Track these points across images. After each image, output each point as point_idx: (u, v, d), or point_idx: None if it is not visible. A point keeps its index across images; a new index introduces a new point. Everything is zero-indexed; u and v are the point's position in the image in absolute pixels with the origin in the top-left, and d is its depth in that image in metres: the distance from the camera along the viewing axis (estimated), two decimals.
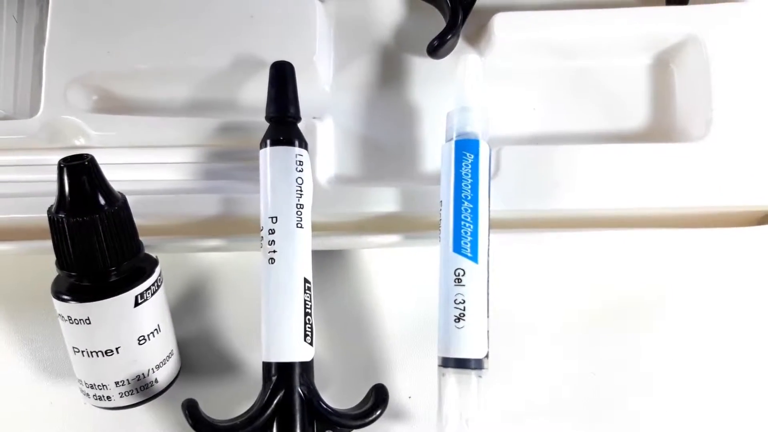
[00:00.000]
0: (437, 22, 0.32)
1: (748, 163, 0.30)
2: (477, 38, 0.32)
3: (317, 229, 0.29)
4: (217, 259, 0.32)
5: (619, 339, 0.31)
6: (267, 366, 0.26)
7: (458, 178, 0.27)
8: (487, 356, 0.26)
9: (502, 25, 0.31)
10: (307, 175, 0.27)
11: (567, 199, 0.29)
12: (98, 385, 0.27)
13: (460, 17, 0.31)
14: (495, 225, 0.28)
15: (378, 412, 0.27)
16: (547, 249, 0.32)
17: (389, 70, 0.32)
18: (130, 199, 0.26)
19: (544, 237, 0.30)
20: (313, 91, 0.31)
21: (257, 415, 0.26)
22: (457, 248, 0.26)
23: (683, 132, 0.31)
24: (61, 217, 0.24)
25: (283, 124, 0.28)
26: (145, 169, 0.31)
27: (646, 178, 0.30)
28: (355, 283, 0.32)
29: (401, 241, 0.29)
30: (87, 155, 0.24)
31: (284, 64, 0.28)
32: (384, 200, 0.30)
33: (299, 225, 0.27)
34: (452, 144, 0.27)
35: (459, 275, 0.26)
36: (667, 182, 0.29)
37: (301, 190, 0.27)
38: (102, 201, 0.24)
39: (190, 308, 0.32)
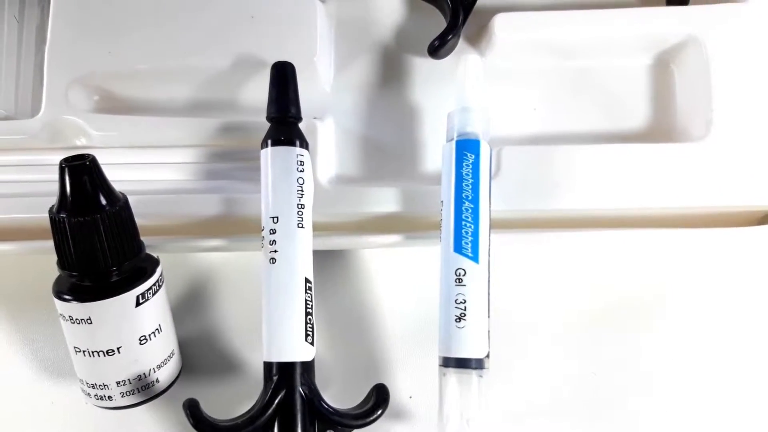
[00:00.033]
0: (438, 23, 0.32)
1: (748, 164, 0.30)
2: (477, 38, 0.32)
3: (318, 229, 0.29)
4: (218, 259, 0.32)
5: (620, 339, 0.31)
6: (268, 366, 0.27)
7: (459, 178, 0.27)
8: (487, 356, 0.26)
9: (502, 25, 0.31)
10: (308, 175, 0.27)
11: (567, 199, 0.30)
12: (99, 385, 0.27)
13: (460, 18, 0.31)
14: (496, 225, 0.28)
15: (379, 412, 0.27)
16: (548, 249, 0.32)
17: (390, 71, 0.32)
18: (131, 199, 0.26)
19: (545, 237, 0.30)
20: (313, 92, 0.31)
21: (258, 414, 0.26)
22: (458, 248, 0.26)
23: (683, 132, 0.31)
24: (63, 217, 0.24)
25: (284, 124, 0.28)
26: (146, 169, 0.31)
27: (646, 178, 0.30)
28: (356, 283, 0.32)
29: (402, 241, 0.30)
30: (88, 155, 0.24)
31: (285, 65, 0.28)
32: (385, 200, 0.30)
33: (300, 225, 0.27)
34: (453, 144, 0.27)
35: (460, 275, 0.26)
36: (667, 182, 0.30)
37: (302, 190, 0.27)
38: (103, 201, 0.24)
39: (191, 308, 0.32)
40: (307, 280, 0.27)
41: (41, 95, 0.31)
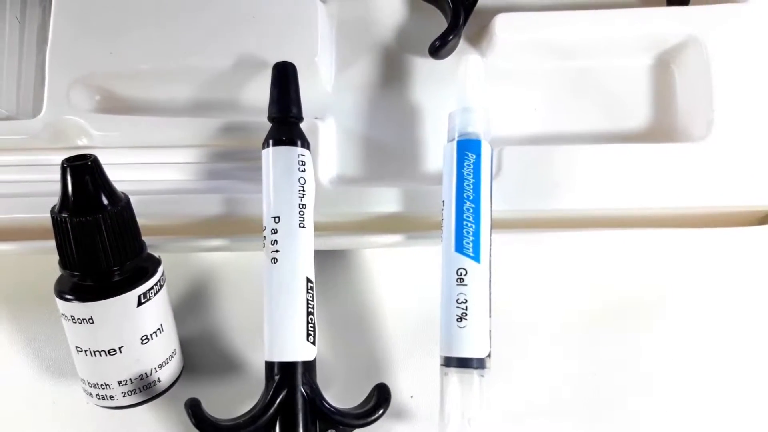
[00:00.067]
0: (439, 23, 0.32)
1: (749, 164, 0.30)
2: (478, 39, 0.33)
3: (319, 229, 0.29)
4: (219, 258, 0.32)
5: (621, 339, 0.31)
6: (269, 365, 0.27)
7: (460, 178, 0.27)
8: (489, 356, 0.26)
9: (503, 25, 0.31)
10: (309, 175, 0.27)
11: (568, 199, 0.30)
12: (101, 385, 0.27)
13: (461, 18, 0.31)
14: (497, 225, 0.28)
15: (380, 412, 0.27)
16: (549, 249, 0.32)
17: (391, 71, 0.32)
18: (132, 199, 0.26)
19: (546, 237, 0.30)
20: (314, 92, 0.31)
21: (260, 414, 0.26)
22: (459, 248, 0.26)
23: (684, 132, 0.31)
24: (65, 217, 0.24)
25: (286, 124, 0.28)
26: (147, 169, 0.31)
27: (647, 178, 0.30)
28: (358, 282, 0.32)
29: (403, 240, 0.30)
30: (90, 155, 0.24)
31: (286, 65, 0.28)
32: (386, 200, 0.30)
33: (302, 225, 0.27)
34: (454, 144, 0.27)
35: (461, 275, 0.26)
36: (668, 182, 0.30)
37: (303, 190, 0.27)
38: (105, 201, 0.24)
39: (193, 308, 0.32)
40: (308, 280, 0.27)
41: (43, 95, 0.31)
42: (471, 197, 0.27)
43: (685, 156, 0.30)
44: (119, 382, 0.27)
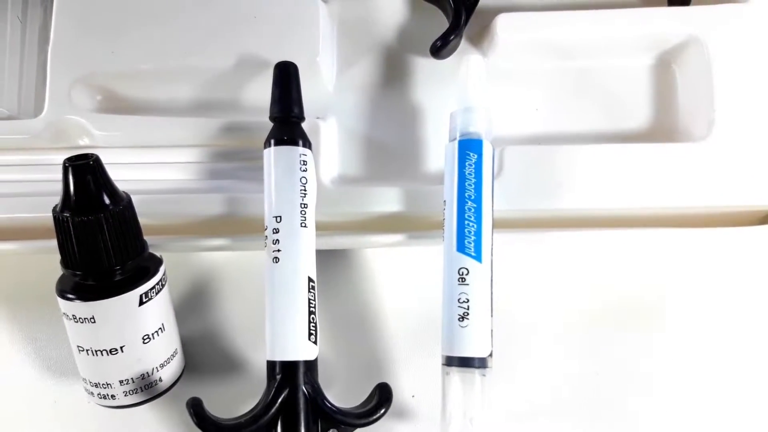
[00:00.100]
0: (440, 23, 0.32)
1: (750, 163, 0.30)
2: (480, 39, 0.33)
3: (321, 228, 0.29)
4: (221, 258, 0.32)
5: (622, 338, 0.31)
6: (271, 365, 0.27)
7: (462, 178, 0.27)
8: (490, 355, 0.26)
9: (504, 25, 0.31)
10: (311, 174, 0.27)
11: (570, 199, 0.30)
12: (102, 384, 0.27)
13: (463, 18, 0.31)
14: (498, 224, 0.28)
15: (382, 411, 0.27)
16: (550, 248, 0.32)
17: (392, 71, 0.33)
18: (134, 199, 0.26)
19: (547, 236, 0.30)
20: (316, 92, 0.31)
21: (262, 413, 0.26)
22: (461, 247, 0.26)
23: (685, 132, 0.31)
24: (66, 217, 0.24)
25: (287, 124, 0.28)
26: (149, 169, 0.31)
27: (648, 178, 0.30)
28: (359, 282, 0.32)
29: (405, 240, 0.30)
30: (92, 155, 0.24)
31: (288, 65, 0.28)
32: (387, 200, 0.30)
33: (303, 224, 0.27)
34: (456, 144, 0.27)
35: (463, 274, 0.26)
36: (669, 182, 0.30)
37: (305, 190, 0.27)
38: (107, 200, 0.24)
39: (194, 307, 0.32)
40: (310, 279, 0.27)
41: (44, 95, 0.31)
42: (472, 197, 0.27)
43: (686, 156, 0.30)
44: (121, 382, 0.27)
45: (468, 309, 0.26)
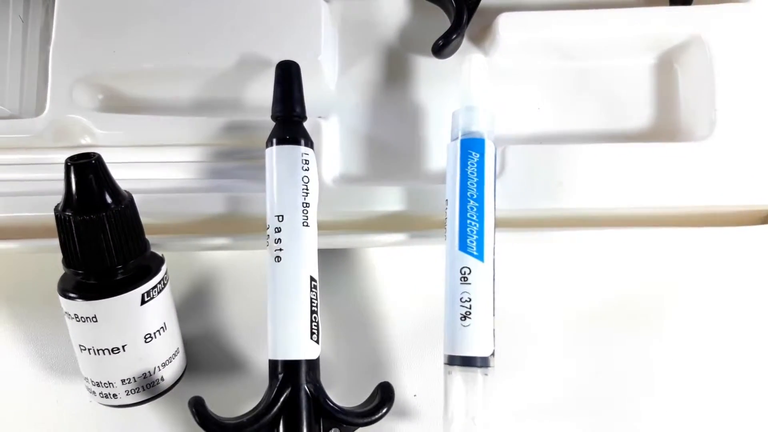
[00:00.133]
0: (442, 22, 0.32)
1: (752, 163, 0.30)
2: (482, 38, 0.33)
3: (323, 227, 0.29)
4: (222, 257, 0.32)
5: (624, 338, 0.31)
6: (273, 364, 0.27)
7: (464, 177, 0.27)
8: (493, 354, 0.26)
9: (506, 25, 0.31)
10: (313, 173, 0.27)
11: (572, 198, 0.30)
12: (104, 383, 0.27)
13: (464, 17, 0.31)
14: (500, 224, 0.28)
15: (384, 410, 0.27)
16: (552, 247, 0.32)
17: (394, 70, 0.33)
18: (136, 198, 0.26)
19: (549, 236, 0.30)
20: (318, 91, 0.31)
21: (264, 412, 0.26)
22: (463, 247, 0.26)
23: (687, 132, 0.31)
24: (68, 216, 0.24)
25: (289, 123, 0.28)
26: (150, 168, 0.31)
27: (650, 177, 0.30)
28: (361, 281, 0.32)
29: (407, 239, 0.30)
30: (94, 154, 0.24)
31: (290, 64, 0.28)
32: (389, 199, 0.30)
33: (305, 223, 0.27)
34: (458, 143, 0.27)
35: (465, 273, 0.26)
36: (671, 182, 0.30)
37: (307, 189, 0.27)
38: (109, 199, 0.24)
39: (196, 306, 0.32)
40: (312, 279, 0.27)
41: (46, 94, 0.31)
42: (474, 196, 0.27)
43: (687, 155, 0.30)
44: (122, 381, 0.27)
45: (470, 308, 0.26)
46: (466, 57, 0.29)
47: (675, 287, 0.32)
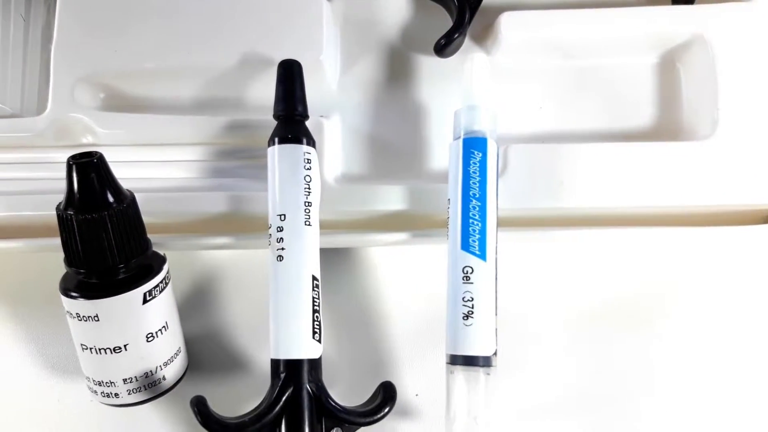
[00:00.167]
0: (444, 21, 0.32)
1: (754, 162, 0.30)
2: (484, 37, 0.33)
3: (325, 227, 0.29)
4: (224, 256, 0.32)
5: (626, 337, 0.31)
6: (275, 363, 0.26)
7: (466, 176, 0.27)
8: (495, 354, 0.26)
9: (508, 24, 0.31)
10: (315, 172, 0.27)
11: (574, 198, 0.29)
12: (106, 382, 0.27)
13: (467, 16, 0.31)
14: (502, 223, 0.28)
15: (386, 410, 0.27)
16: (555, 247, 0.32)
17: (396, 69, 0.33)
18: (137, 197, 0.26)
19: (552, 235, 0.30)
20: (320, 90, 0.31)
21: (266, 411, 0.26)
22: (465, 246, 0.26)
23: (689, 131, 0.31)
24: (70, 215, 0.24)
25: (291, 122, 0.28)
26: (152, 167, 0.31)
27: (652, 176, 0.30)
28: (363, 280, 0.32)
29: (409, 239, 0.29)
30: (96, 152, 0.24)
31: (292, 63, 0.28)
32: (391, 198, 0.30)
33: (307, 223, 0.27)
34: (460, 142, 0.27)
35: (467, 273, 0.26)
36: (673, 181, 0.30)
37: (309, 188, 0.27)
38: (111, 198, 0.24)
39: (198, 306, 0.32)
40: (314, 278, 0.27)
41: (47, 93, 0.31)
42: (477, 195, 0.27)
43: (690, 154, 0.30)
44: (124, 380, 0.26)
45: (472, 307, 0.26)
46: (468, 56, 0.29)
47: (677, 287, 0.32)
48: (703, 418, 0.30)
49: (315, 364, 0.27)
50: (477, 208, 0.26)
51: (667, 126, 0.32)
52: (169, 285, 0.27)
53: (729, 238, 0.32)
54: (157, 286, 0.26)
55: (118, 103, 0.32)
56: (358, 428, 0.27)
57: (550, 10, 0.31)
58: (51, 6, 0.33)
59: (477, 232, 0.26)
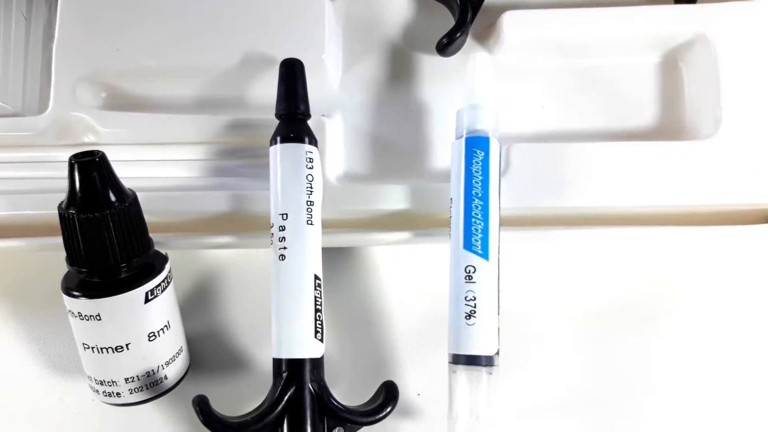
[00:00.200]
0: (446, 20, 0.32)
1: (757, 162, 0.30)
2: (486, 36, 0.33)
3: (327, 226, 0.28)
4: (226, 255, 0.32)
5: (629, 336, 0.31)
6: (277, 362, 0.26)
7: (468, 176, 0.27)
8: (497, 353, 0.26)
9: (511, 23, 0.31)
10: (317, 172, 0.27)
11: (576, 197, 0.29)
12: (108, 382, 0.27)
13: (469, 15, 0.31)
14: (505, 222, 0.28)
15: (388, 409, 0.27)
16: (557, 246, 0.32)
17: (398, 68, 0.32)
18: (139, 196, 0.26)
19: (554, 234, 0.30)
20: (322, 89, 0.31)
21: (268, 411, 0.26)
22: (468, 245, 0.26)
23: (692, 130, 0.31)
24: (72, 214, 0.24)
25: (293, 121, 0.28)
26: (154, 166, 0.31)
27: (655, 175, 0.30)
28: (365, 280, 0.32)
29: (411, 238, 0.29)
30: (98, 151, 0.24)
31: (294, 62, 0.28)
32: (393, 197, 0.30)
33: (309, 222, 0.27)
34: (462, 141, 0.27)
35: (470, 272, 0.26)
36: (675, 180, 0.30)
37: (311, 187, 0.27)
38: (112, 197, 0.24)
39: (200, 305, 0.32)
40: (316, 277, 0.27)
41: (49, 92, 0.31)
42: (479, 194, 0.27)
43: (692, 154, 0.30)
44: (126, 379, 0.26)
45: (475, 307, 0.26)
46: (471, 55, 0.29)
47: (679, 286, 0.32)
48: (704, 417, 0.30)
49: (317, 364, 0.27)
50: (479, 208, 0.26)
51: (669, 125, 0.32)
52: (171, 284, 0.27)
53: (732, 238, 0.32)
54: (159, 285, 0.26)
55: (119, 102, 0.32)
56: (360, 428, 0.27)
57: (553, 9, 0.31)
58: (52, 5, 0.32)
59: (479, 231, 0.26)
